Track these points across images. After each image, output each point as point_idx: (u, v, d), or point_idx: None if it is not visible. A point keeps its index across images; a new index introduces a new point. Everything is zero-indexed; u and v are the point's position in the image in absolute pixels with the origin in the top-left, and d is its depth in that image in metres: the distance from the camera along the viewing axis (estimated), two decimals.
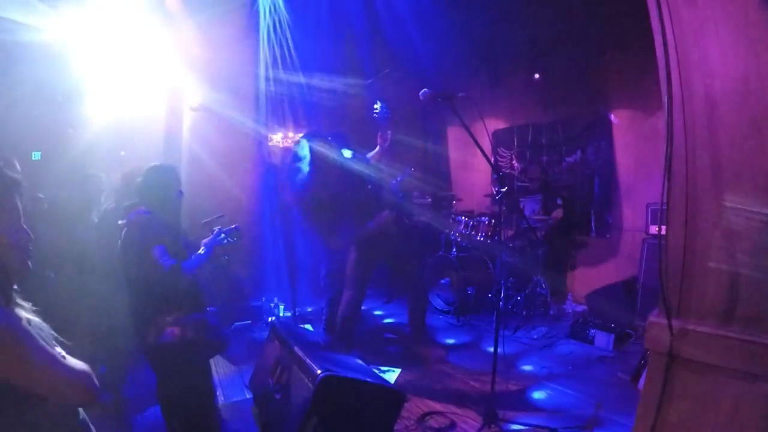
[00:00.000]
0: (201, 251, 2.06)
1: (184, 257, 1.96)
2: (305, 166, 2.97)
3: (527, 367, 3.35)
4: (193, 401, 1.95)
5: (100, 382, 1.10)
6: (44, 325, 1.03)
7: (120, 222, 1.98)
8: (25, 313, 1.00)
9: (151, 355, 1.97)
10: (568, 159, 5.50)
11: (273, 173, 3.74)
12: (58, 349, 1.02)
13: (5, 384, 0.92)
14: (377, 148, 3.41)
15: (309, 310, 4.94)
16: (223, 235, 2.13)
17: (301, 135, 3.79)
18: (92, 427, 1.14)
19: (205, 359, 2.08)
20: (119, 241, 1.96)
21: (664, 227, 1.25)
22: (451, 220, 5.25)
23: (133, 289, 1.94)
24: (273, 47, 5.92)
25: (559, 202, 5.07)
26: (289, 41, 5.90)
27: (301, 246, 4.63)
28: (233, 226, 2.21)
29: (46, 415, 1.00)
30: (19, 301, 1.00)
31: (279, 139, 5.88)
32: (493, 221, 4.86)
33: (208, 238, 2.11)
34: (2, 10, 3.69)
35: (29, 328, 0.96)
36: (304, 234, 3.84)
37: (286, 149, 3.73)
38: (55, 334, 1.06)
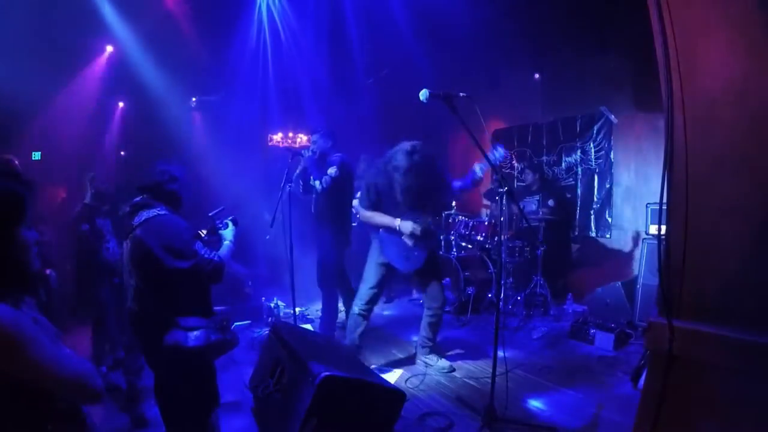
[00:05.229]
0: (226, 243, 2.09)
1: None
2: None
3: (527, 367, 3.34)
4: (197, 403, 1.93)
5: (108, 381, 1.11)
6: (49, 324, 1.04)
7: (133, 221, 1.89)
8: (31, 311, 1.01)
9: (164, 358, 1.87)
10: (568, 159, 5.50)
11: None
12: (63, 347, 1.03)
13: (11, 382, 0.93)
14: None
15: (308, 310, 4.94)
16: (232, 225, 2.20)
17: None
18: (95, 424, 1.15)
19: (214, 359, 2.06)
20: (129, 241, 1.89)
21: (664, 227, 1.25)
22: (450, 221, 5.25)
23: (154, 290, 1.85)
24: (272, 47, 5.93)
25: (551, 203, 5.04)
26: (282, 41, 5.90)
27: (301, 246, 4.64)
28: (231, 217, 2.26)
29: (50, 412, 1.01)
30: (26, 299, 1.01)
31: (279, 138, 5.88)
32: (492, 221, 4.86)
33: (228, 230, 2.16)
34: (6, 11, 3.70)
35: (35, 326, 0.97)
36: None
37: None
38: (59, 333, 1.07)
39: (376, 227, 3.29)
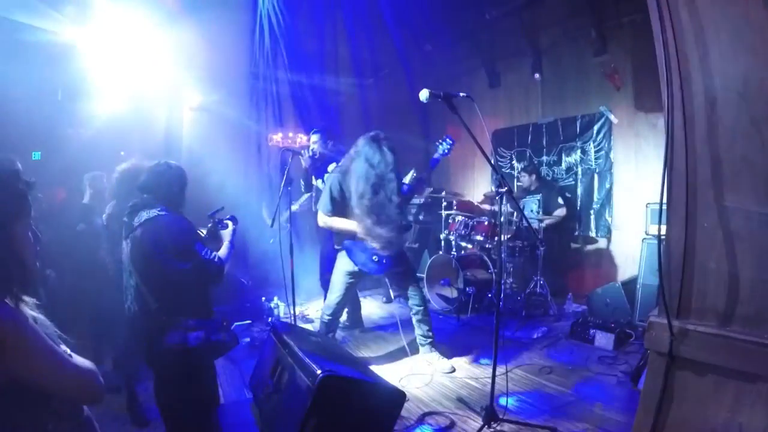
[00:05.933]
0: (226, 243, 2.11)
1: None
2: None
3: (527, 367, 3.34)
4: (197, 403, 1.93)
5: (108, 381, 1.10)
6: (49, 323, 1.04)
7: (134, 221, 1.89)
8: (31, 311, 1.01)
9: (164, 359, 1.87)
10: (568, 159, 5.50)
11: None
12: (63, 347, 1.03)
13: (12, 382, 0.92)
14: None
15: (308, 310, 4.94)
16: (232, 224, 2.21)
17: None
18: (96, 424, 1.15)
19: (214, 360, 2.07)
20: (129, 241, 1.89)
21: (664, 227, 1.25)
22: (451, 220, 5.25)
23: (154, 290, 1.85)
24: (272, 47, 5.92)
25: (561, 201, 5.07)
26: (282, 41, 5.89)
27: (300, 246, 4.63)
28: (230, 216, 2.28)
29: (51, 412, 1.00)
30: (26, 298, 1.01)
31: (279, 138, 5.88)
32: (492, 221, 4.86)
33: (228, 230, 2.18)
34: (6, 11, 3.69)
35: (36, 326, 0.97)
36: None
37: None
38: (59, 332, 1.07)
39: (340, 236, 3.21)
